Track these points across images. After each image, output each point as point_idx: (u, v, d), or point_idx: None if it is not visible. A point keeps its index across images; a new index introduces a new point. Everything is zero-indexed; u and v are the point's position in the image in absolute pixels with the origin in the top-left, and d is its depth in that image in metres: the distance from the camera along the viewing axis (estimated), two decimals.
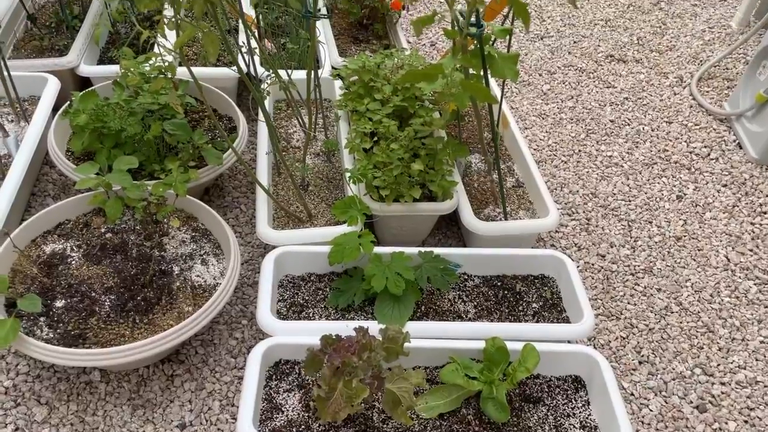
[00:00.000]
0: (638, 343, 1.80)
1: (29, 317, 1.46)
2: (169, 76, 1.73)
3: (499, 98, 2.07)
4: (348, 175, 1.83)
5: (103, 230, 1.71)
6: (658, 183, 2.32)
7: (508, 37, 1.59)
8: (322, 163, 2.12)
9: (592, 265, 2.01)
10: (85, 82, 2.32)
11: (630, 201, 2.24)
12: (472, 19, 1.36)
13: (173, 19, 1.39)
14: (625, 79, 2.84)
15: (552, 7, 3.32)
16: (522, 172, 2.09)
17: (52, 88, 2.09)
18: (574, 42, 3.05)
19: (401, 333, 1.36)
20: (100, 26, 1.57)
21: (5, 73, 1.95)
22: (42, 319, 1.47)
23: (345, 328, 1.48)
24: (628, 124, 2.59)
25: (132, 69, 1.84)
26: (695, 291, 1.94)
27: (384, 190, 1.82)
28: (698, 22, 3.22)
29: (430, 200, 1.88)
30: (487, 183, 2.05)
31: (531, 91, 2.73)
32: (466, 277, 1.74)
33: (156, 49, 2.21)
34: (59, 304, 1.50)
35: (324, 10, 2.57)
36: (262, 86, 1.89)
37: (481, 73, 1.48)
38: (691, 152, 2.45)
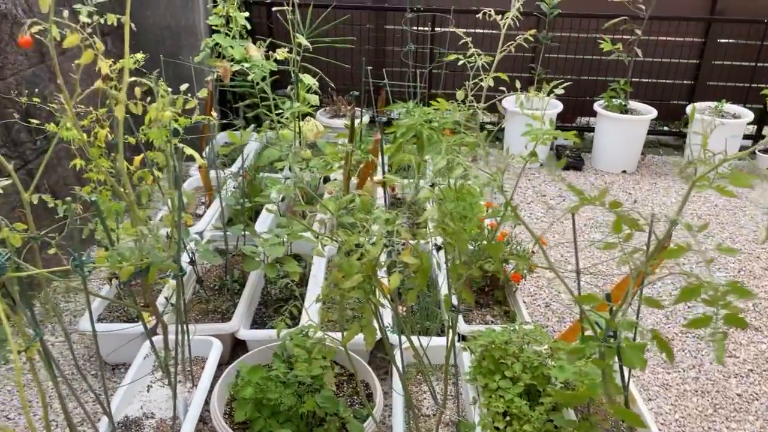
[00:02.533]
0: None
1: None
2: (319, 348, 1.97)
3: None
4: None
5: None
6: None
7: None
8: None
9: None
10: (238, 341, 2.63)
11: None
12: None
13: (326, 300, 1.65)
14: (746, 348, 2.84)
15: (665, 279, 3.47)
16: None
17: (216, 351, 2.38)
18: (689, 307, 3.14)
19: None
20: (280, 325, 1.86)
21: (187, 338, 2.26)
22: None
23: None
24: (757, 399, 2.55)
25: (295, 344, 2.10)
26: None
27: None
28: None
29: None
30: None
31: (651, 359, 2.78)
32: None
33: (303, 318, 2.53)
34: None
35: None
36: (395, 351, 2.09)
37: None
38: None
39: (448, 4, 4.89)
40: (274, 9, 5.04)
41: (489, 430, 2.01)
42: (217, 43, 3.81)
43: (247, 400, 2.03)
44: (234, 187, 3.39)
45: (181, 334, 2.18)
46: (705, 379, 2.66)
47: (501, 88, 1.68)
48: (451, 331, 2.07)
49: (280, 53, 3.43)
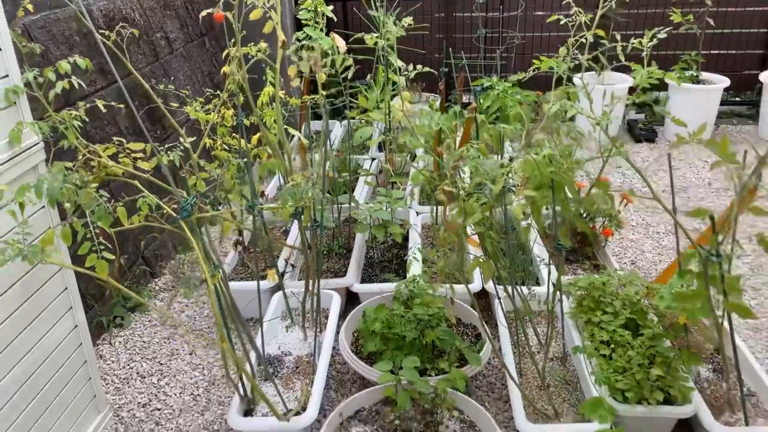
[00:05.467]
0: None
1: None
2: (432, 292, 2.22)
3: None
4: (594, 378, 2.12)
5: (391, 418, 2.10)
6: None
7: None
8: (557, 367, 2.43)
9: None
10: (349, 297, 2.91)
11: None
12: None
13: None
14: None
15: (744, 228, 3.57)
16: (753, 381, 2.24)
17: (337, 302, 2.67)
18: None
19: None
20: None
21: (317, 288, 2.53)
22: None
23: None
24: None
25: (411, 290, 2.36)
26: None
27: (628, 392, 2.07)
28: None
29: (667, 404, 2.09)
30: (719, 391, 2.22)
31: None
32: None
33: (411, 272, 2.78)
34: None
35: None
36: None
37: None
38: None
39: None
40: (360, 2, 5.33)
41: (594, 357, 2.21)
42: (307, 36, 4.13)
43: (375, 333, 2.30)
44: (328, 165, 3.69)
45: (314, 285, 2.47)
46: None
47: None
48: (555, 270, 2.29)
49: (370, 40, 3.70)
